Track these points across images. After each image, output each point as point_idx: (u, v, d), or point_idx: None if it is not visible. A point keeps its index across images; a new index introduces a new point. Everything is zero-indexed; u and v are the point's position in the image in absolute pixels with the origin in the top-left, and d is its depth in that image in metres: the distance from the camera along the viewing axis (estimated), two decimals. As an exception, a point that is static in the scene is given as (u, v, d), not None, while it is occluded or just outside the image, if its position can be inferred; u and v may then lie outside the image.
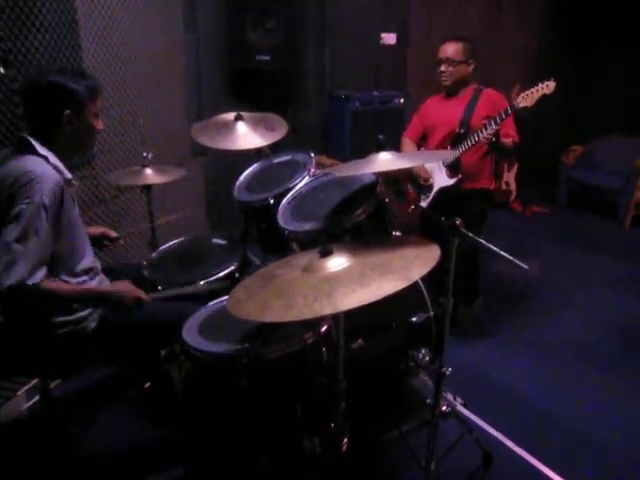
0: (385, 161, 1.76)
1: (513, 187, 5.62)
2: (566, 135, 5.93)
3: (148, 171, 2.62)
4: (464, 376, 2.85)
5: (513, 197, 5.66)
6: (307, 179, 2.33)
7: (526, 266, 1.78)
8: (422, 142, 3.25)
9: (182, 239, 2.72)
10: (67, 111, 1.85)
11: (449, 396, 2.59)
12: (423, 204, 3.13)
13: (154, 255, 2.59)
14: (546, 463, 2.33)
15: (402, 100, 4.60)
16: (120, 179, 2.65)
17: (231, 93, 4.16)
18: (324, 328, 1.78)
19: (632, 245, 4.95)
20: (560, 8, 5.93)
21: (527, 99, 2.69)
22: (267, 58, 3.89)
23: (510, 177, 5.57)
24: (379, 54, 4.87)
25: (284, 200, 2.23)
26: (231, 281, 2.29)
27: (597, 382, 2.92)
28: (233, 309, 1.46)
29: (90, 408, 2.58)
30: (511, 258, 1.79)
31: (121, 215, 3.30)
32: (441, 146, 3.04)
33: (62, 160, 1.92)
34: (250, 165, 2.75)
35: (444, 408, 2.14)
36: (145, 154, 2.63)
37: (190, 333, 1.84)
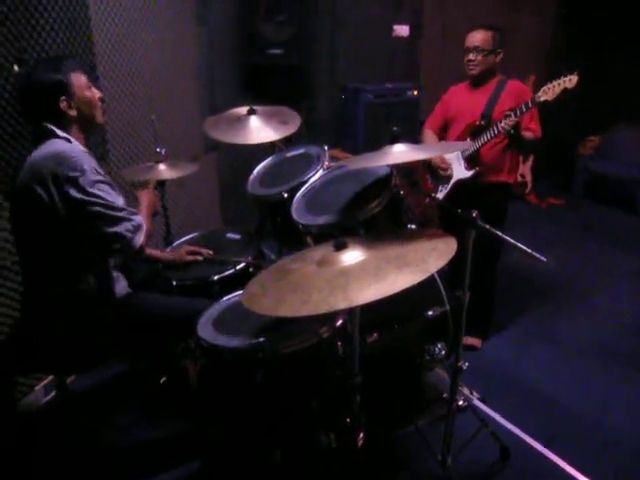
0: (399, 153, 1.74)
1: (529, 179, 5.61)
2: (581, 125, 5.84)
3: (162, 166, 2.61)
4: (481, 371, 2.83)
5: (529, 189, 5.65)
6: (321, 172, 2.30)
7: (544, 259, 1.76)
8: (444, 133, 3.19)
9: (196, 234, 2.72)
10: (62, 97, 1.88)
11: (465, 391, 2.58)
12: (440, 195, 3.09)
13: (168, 250, 2.58)
14: (564, 458, 2.31)
15: (416, 92, 4.54)
16: (134, 175, 2.63)
17: (243, 87, 4.14)
18: (339, 322, 1.77)
19: (651, 237, 4.88)
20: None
21: (548, 93, 2.61)
22: (279, 52, 3.87)
23: (526, 169, 5.56)
24: (392, 46, 4.82)
25: (298, 194, 2.21)
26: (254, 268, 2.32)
27: (616, 377, 2.89)
28: (247, 303, 1.45)
29: (107, 403, 2.60)
30: (529, 251, 1.76)
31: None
32: (461, 138, 2.98)
33: (85, 144, 1.98)
34: (263, 159, 2.74)
35: (460, 402, 2.13)
36: (158, 149, 2.62)
37: (205, 328, 1.84)
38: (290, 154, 2.62)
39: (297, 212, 2.10)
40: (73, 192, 1.78)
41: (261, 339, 1.73)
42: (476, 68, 2.92)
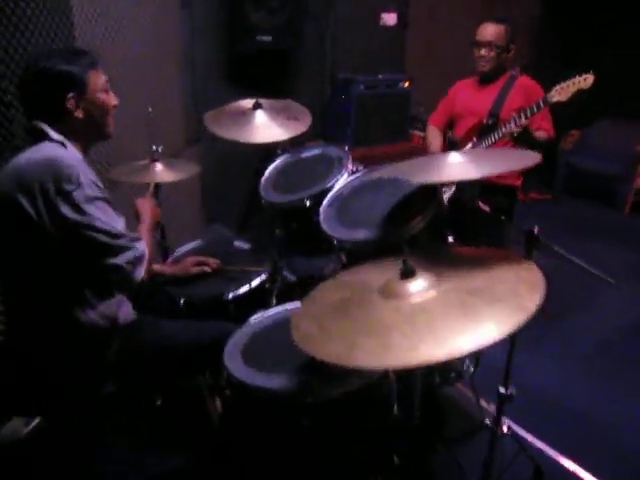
0: (457, 166, 1.51)
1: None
2: (562, 119, 5.78)
3: (158, 166, 2.32)
4: (491, 379, 2.71)
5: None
6: (345, 177, 2.08)
7: (611, 280, 1.61)
8: (449, 131, 3.02)
9: (198, 242, 2.44)
10: (70, 94, 1.59)
11: (483, 403, 2.43)
12: (444, 197, 2.92)
13: (169, 262, 2.31)
14: (591, 471, 2.23)
15: (407, 84, 4.33)
16: (126, 176, 2.33)
17: (228, 76, 3.86)
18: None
19: (633, 232, 4.88)
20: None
21: (562, 93, 2.47)
22: (269, 39, 3.59)
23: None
24: (380, 35, 4.60)
25: (324, 202, 1.98)
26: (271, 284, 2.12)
27: (624, 380, 2.83)
28: (307, 347, 1.20)
29: (98, 428, 2.32)
30: (596, 272, 1.61)
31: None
32: (467, 137, 2.79)
33: (84, 153, 1.69)
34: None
35: (505, 430, 1.98)
36: (155, 147, 2.33)
37: (234, 361, 1.60)
38: (305, 155, 2.37)
39: (327, 223, 1.87)
40: (65, 209, 1.50)
41: (307, 379, 1.48)
42: (487, 65, 2.75)
